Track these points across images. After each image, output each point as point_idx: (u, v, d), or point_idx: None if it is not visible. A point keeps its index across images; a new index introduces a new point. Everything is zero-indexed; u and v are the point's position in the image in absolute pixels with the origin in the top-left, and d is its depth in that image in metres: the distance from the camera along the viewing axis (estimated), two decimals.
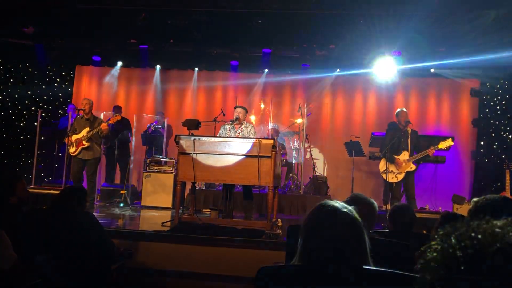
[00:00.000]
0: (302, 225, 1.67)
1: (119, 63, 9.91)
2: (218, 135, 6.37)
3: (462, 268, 0.73)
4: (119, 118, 7.28)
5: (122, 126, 8.75)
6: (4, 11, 7.66)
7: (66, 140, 7.19)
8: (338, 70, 9.59)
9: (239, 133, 6.42)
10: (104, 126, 6.98)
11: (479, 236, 0.76)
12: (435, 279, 0.76)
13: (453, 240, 0.77)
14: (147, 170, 7.96)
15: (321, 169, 9.51)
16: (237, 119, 6.46)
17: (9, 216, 3.30)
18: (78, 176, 7.11)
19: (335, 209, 1.63)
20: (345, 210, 1.64)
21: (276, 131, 9.07)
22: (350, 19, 7.36)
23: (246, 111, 6.78)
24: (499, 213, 1.71)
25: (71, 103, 9.76)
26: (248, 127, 6.49)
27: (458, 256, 0.75)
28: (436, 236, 0.82)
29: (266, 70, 9.83)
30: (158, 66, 10.05)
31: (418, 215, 4.06)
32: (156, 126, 9.19)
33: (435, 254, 0.78)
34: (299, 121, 9.00)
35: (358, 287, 1.55)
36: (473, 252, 0.74)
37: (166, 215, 6.65)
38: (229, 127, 6.54)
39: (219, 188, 7.89)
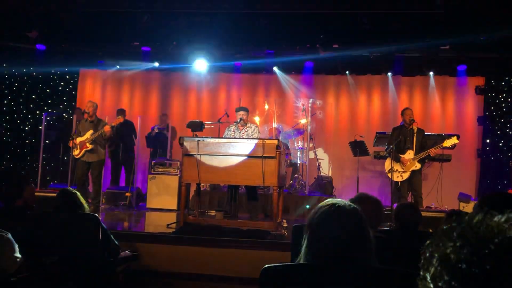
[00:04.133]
0: (307, 223, 1.66)
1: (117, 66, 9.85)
2: (223, 137, 6.37)
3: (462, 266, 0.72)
4: (121, 120, 7.30)
5: (126, 129, 8.77)
6: (8, 15, 7.69)
7: (70, 143, 7.21)
8: (345, 71, 9.57)
9: (243, 133, 6.43)
10: (107, 128, 7.00)
11: (481, 231, 0.75)
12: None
13: (454, 236, 0.76)
14: (152, 172, 7.97)
15: (326, 169, 9.48)
16: (241, 120, 6.46)
17: (15, 218, 3.31)
18: (82, 179, 7.12)
19: (340, 207, 1.61)
20: (350, 208, 1.63)
21: (278, 131, 9.05)
22: (354, 18, 7.34)
23: (248, 111, 6.79)
24: (503, 209, 1.69)
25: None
26: (252, 127, 6.50)
27: (459, 252, 0.74)
28: (438, 233, 0.80)
29: (275, 68, 9.73)
30: (158, 65, 9.86)
31: (423, 214, 4.03)
32: (160, 128, 9.20)
33: (436, 254, 0.77)
34: (303, 121, 8.98)
35: (363, 285, 1.54)
36: (473, 249, 0.73)
37: (171, 217, 6.65)
38: (234, 128, 6.55)
39: (224, 189, 7.88)
